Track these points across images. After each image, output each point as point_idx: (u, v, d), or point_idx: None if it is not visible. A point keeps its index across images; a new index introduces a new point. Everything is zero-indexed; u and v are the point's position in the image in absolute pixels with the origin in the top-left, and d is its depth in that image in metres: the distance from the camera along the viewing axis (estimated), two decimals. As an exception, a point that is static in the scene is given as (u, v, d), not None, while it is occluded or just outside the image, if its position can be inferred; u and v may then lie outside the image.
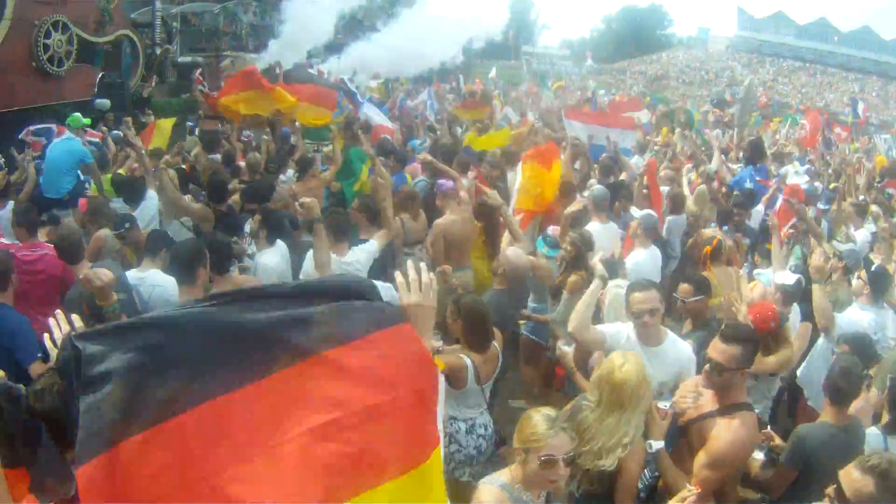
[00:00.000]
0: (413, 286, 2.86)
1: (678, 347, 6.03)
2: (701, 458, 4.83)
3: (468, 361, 5.99)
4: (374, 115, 17.83)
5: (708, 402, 5.11)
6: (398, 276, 2.94)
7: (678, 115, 27.38)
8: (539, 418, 4.18)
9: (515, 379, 9.10)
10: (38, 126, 13.65)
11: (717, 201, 12.62)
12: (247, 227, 9.04)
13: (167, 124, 14.88)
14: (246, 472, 2.23)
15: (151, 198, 9.65)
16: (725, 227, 10.65)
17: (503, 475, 4.36)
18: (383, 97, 24.17)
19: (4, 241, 8.28)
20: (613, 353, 5.16)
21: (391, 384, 2.50)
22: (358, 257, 7.92)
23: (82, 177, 11.99)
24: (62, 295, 7.22)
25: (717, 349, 4.96)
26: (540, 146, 11.79)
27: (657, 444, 4.91)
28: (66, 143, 12.61)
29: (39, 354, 5.64)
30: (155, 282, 7.04)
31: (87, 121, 14.45)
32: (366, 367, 2.47)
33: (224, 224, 9.17)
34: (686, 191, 12.32)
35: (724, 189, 13.95)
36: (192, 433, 2.19)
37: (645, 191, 11.59)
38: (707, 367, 4.98)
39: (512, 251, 7.88)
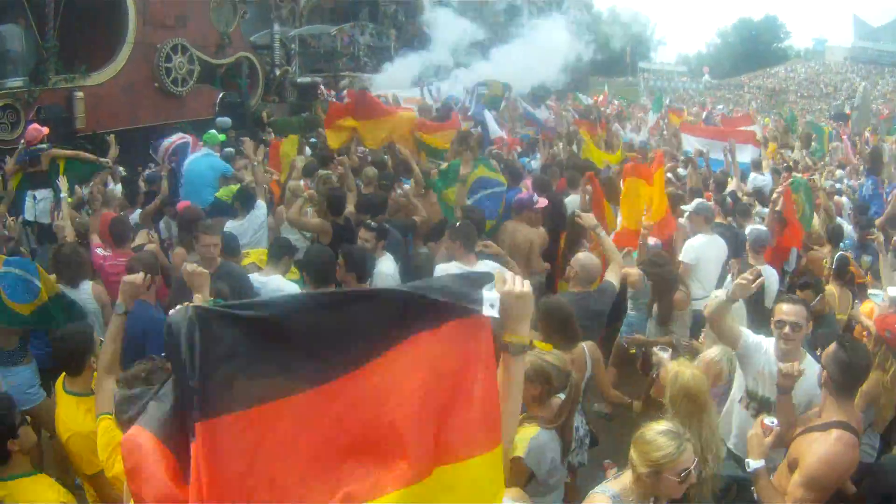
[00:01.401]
0: (509, 276, 2.80)
1: (813, 370, 5.65)
2: (795, 479, 4.68)
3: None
4: (490, 122, 17.66)
5: (815, 416, 5.01)
6: (497, 271, 2.95)
7: (804, 130, 26.51)
8: (663, 439, 4.13)
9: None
10: (174, 142, 13.84)
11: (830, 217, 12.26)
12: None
13: (291, 144, 15.00)
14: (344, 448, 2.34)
15: (260, 207, 10.01)
16: (848, 242, 10.10)
17: (615, 485, 4.34)
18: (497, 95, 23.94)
19: (100, 251, 8.70)
20: (676, 365, 5.20)
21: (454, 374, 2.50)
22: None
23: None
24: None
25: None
26: (639, 164, 11.48)
27: (755, 464, 4.73)
28: (206, 158, 13.03)
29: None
30: (277, 287, 7.44)
31: (223, 137, 14.81)
32: (435, 356, 2.48)
33: (341, 236, 9.37)
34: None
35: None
36: (290, 417, 2.28)
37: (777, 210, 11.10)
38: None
39: (584, 255, 7.83)
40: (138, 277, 5.13)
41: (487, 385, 2.52)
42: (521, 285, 2.78)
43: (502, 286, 2.73)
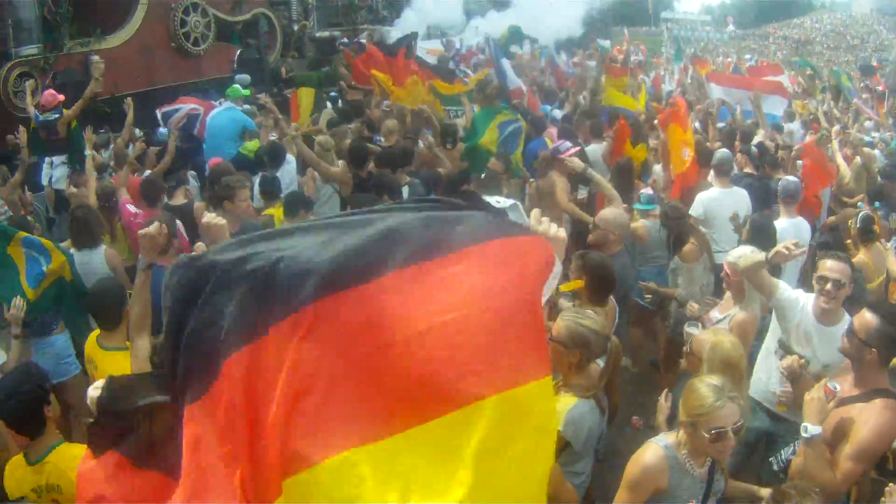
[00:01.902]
0: (545, 219, 2.76)
1: None
2: (846, 450, 4.51)
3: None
4: (509, 71, 17.44)
5: (846, 388, 4.80)
6: (534, 212, 2.85)
7: (828, 81, 26.08)
8: (706, 390, 4.01)
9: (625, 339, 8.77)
10: (187, 112, 13.72)
11: (870, 175, 11.78)
12: None
13: (308, 95, 14.92)
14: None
15: (290, 161, 10.15)
16: (878, 204, 9.74)
17: (670, 436, 4.31)
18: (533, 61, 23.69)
19: (131, 207, 8.63)
20: (712, 334, 5.05)
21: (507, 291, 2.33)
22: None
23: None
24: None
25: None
26: (673, 109, 11.17)
27: (814, 430, 4.42)
28: (228, 112, 13.22)
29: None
30: None
31: (247, 92, 14.92)
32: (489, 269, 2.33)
33: (362, 188, 9.37)
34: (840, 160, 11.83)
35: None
36: (335, 319, 2.17)
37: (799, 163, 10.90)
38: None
39: (608, 210, 7.59)
40: (154, 227, 4.88)
41: (536, 309, 2.35)
42: (555, 229, 2.71)
43: (537, 226, 2.67)
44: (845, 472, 4.42)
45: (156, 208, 8.63)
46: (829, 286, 5.39)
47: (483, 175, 9.93)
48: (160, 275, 6.39)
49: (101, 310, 5.69)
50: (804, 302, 5.67)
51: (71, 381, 6.75)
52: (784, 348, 5.60)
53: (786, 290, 5.75)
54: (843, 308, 5.60)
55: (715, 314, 6.31)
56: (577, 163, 8.40)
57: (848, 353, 4.75)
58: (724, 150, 10.28)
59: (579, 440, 4.59)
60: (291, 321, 2.13)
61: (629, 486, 4.19)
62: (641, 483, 4.16)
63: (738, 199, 9.27)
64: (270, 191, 8.52)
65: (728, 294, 6.37)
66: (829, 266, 5.44)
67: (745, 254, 6.04)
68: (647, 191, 9.08)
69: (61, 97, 12.44)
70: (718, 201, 9.14)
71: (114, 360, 5.37)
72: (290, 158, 10.08)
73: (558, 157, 9.60)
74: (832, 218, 10.67)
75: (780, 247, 5.50)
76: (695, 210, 9.11)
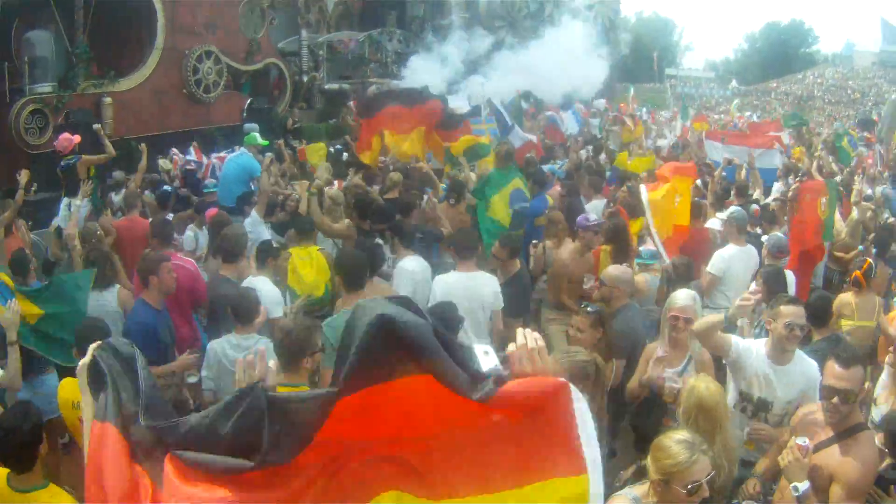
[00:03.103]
0: (526, 355, 2.54)
1: (805, 365, 5.79)
2: (837, 493, 4.61)
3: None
4: (517, 130, 17.67)
5: (819, 431, 4.89)
6: (510, 347, 2.60)
7: (826, 140, 26.26)
8: (676, 447, 4.05)
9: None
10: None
11: (870, 229, 12.00)
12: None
13: (317, 151, 15.23)
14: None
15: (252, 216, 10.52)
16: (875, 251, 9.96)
17: (637, 489, 4.34)
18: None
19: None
20: (693, 381, 5.13)
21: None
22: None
23: (253, 187, 12.73)
24: (194, 304, 8.37)
25: (844, 377, 4.64)
26: (673, 164, 11.33)
27: (803, 487, 4.48)
28: (240, 157, 13.89)
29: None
30: (262, 287, 7.61)
31: (265, 142, 15.08)
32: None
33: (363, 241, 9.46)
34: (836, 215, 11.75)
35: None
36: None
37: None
38: (835, 399, 4.66)
39: (613, 268, 7.77)
40: None
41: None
42: (533, 350, 2.55)
43: (514, 356, 2.56)
44: None
45: (169, 247, 8.91)
46: (797, 331, 5.57)
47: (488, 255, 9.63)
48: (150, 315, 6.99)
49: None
50: (756, 349, 5.83)
51: (57, 420, 6.88)
52: (745, 398, 5.79)
53: (738, 341, 5.88)
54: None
55: (667, 372, 6.35)
56: None
57: (834, 408, 4.73)
58: (739, 207, 10.39)
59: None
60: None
61: None
62: None
63: (751, 257, 9.38)
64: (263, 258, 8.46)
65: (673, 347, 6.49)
66: (794, 312, 5.58)
67: (688, 297, 6.35)
68: (649, 247, 9.21)
69: (76, 138, 12.73)
70: (736, 259, 9.21)
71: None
72: (253, 214, 10.55)
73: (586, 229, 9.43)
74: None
75: (739, 301, 5.71)
76: (714, 267, 9.15)
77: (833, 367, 4.74)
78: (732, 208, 10.26)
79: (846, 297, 8.59)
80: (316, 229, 9.44)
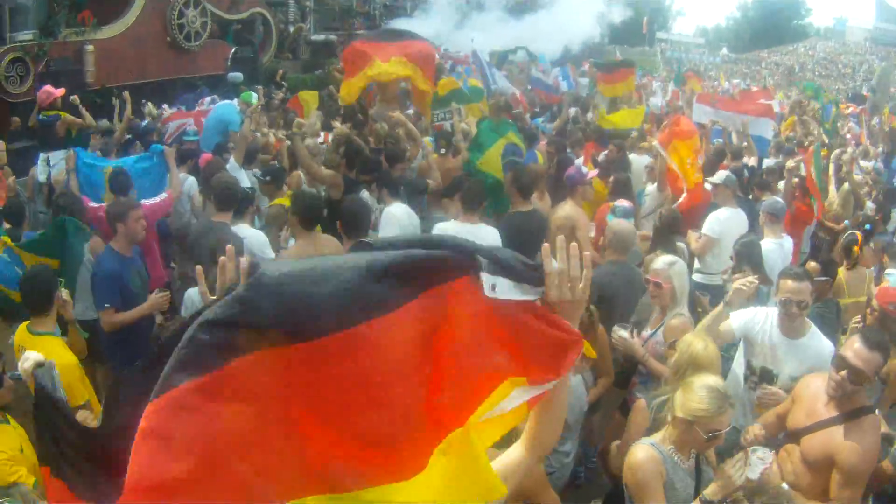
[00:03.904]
0: (562, 279, 2.30)
1: (819, 342, 5.61)
2: (837, 479, 4.47)
3: None
4: (502, 81, 17.43)
5: (822, 407, 4.71)
6: (546, 264, 2.31)
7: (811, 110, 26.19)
8: (709, 395, 4.08)
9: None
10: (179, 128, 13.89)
11: (859, 201, 11.93)
12: None
13: (312, 97, 15.06)
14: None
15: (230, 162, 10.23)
16: (868, 227, 9.79)
17: (656, 436, 4.37)
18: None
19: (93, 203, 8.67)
20: (690, 337, 5.03)
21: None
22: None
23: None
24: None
25: (862, 356, 4.49)
26: (673, 127, 11.11)
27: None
28: (223, 107, 13.36)
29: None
30: (245, 234, 7.64)
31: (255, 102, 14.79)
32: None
33: (352, 190, 9.32)
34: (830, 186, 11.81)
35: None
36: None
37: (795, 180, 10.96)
38: (844, 373, 4.52)
39: (616, 222, 7.72)
40: None
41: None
42: (575, 278, 2.33)
43: (551, 265, 2.30)
44: (846, 500, 4.41)
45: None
46: (794, 308, 5.43)
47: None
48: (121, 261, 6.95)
49: (32, 295, 5.79)
50: (764, 317, 5.73)
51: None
52: (749, 369, 5.70)
53: (736, 320, 5.78)
54: (811, 321, 5.70)
55: (646, 332, 6.31)
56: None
57: (840, 383, 4.57)
58: (728, 171, 10.19)
59: (571, 414, 4.65)
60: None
61: (641, 491, 4.19)
62: (650, 482, 4.17)
63: (742, 220, 9.29)
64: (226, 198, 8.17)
65: (656, 309, 6.41)
66: (791, 287, 5.45)
67: (662, 261, 6.21)
68: (623, 203, 8.92)
69: (59, 92, 12.50)
70: (730, 221, 9.12)
71: (44, 344, 5.44)
72: (231, 160, 10.21)
73: (579, 183, 9.21)
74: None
75: (736, 285, 5.61)
76: (710, 229, 9.04)
77: (855, 342, 4.62)
78: (723, 172, 10.05)
79: (839, 278, 8.41)
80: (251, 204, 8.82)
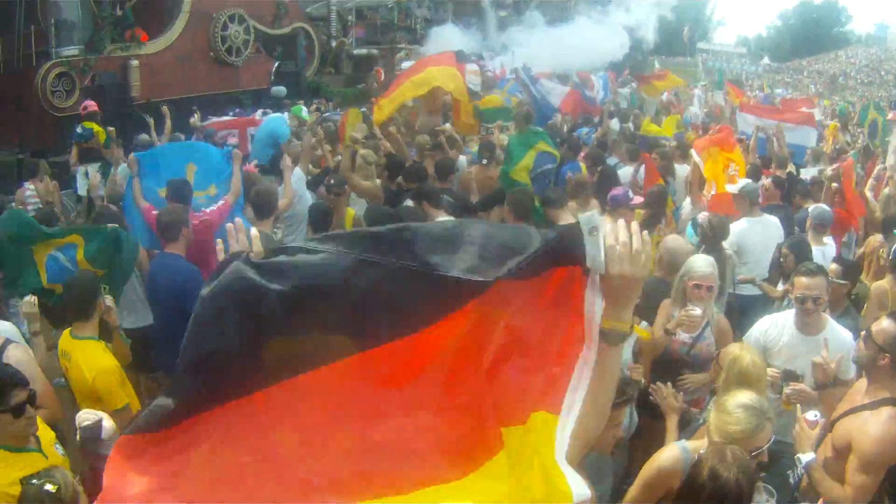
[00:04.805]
0: (623, 251, 2.23)
1: (839, 336, 5.61)
2: (853, 463, 4.44)
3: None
4: (551, 95, 17.44)
5: (857, 396, 4.74)
6: (609, 238, 2.24)
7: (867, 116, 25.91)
8: (745, 414, 3.96)
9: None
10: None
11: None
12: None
13: (356, 115, 15.22)
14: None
15: (296, 174, 9.92)
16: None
17: (691, 442, 4.32)
18: None
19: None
20: (738, 350, 4.97)
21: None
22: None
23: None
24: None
25: (888, 331, 4.52)
26: (713, 135, 11.07)
27: (806, 458, 4.49)
28: (274, 120, 13.65)
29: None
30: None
31: (308, 118, 14.89)
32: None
33: (392, 203, 9.34)
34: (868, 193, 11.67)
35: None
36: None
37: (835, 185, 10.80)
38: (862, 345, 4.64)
39: (672, 238, 7.52)
40: None
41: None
42: (637, 250, 2.25)
43: (612, 249, 2.22)
44: (857, 486, 4.37)
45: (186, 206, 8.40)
46: (809, 304, 5.46)
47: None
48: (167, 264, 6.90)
49: (74, 300, 5.75)
50: (782, 322, 5.76)
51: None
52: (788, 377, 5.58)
53: (755, 330, 5.90)
54: (828, 315, 5.74)
55: (682, 336, 6.19)
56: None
57: (860, 359, 4.71)
58: (749, 180, 10.15)
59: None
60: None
61: (642, 484, 4.24)
62: (654, 483, 4.19)
63: (767, 227, 9.22)
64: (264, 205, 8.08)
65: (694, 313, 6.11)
66: (806, 284, 5.48)
67: (708, 263, 6.17)
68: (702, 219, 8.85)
69: (92, 105, 12.77)
70: (749, 231, 9.04)
71: (85, 348, 5.51)
72: (297, 171, 9.96)
73: (622, 205, 8.90)
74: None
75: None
76: (727, 242, 8.74)
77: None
78: (743, 180, 9.98)
79: (882, 285, 8.24)
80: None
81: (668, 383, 5.34)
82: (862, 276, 8.45)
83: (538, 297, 2.26)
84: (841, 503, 4.33)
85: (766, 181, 10.86)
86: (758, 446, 3.91)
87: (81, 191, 11.80)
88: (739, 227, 9.04)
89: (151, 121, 13.34)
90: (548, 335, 2.29)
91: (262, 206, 7.89)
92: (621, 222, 2.28)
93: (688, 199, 10.77)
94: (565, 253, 2.21)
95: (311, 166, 11.34)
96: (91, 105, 13.28)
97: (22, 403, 4.10)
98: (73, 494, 3.82)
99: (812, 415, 4.67)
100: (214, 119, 15.72)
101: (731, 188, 9.69)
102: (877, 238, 9.61)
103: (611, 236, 2.24)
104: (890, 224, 9.81)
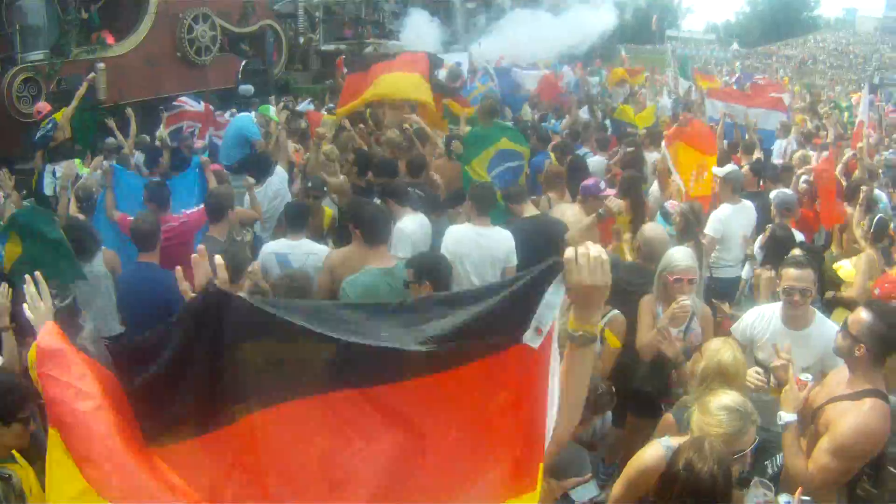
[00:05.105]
0: (582, 262, 2.37)
1: (825, 329, 5.52)
2: (822, 443, 4.44)
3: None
4: (525, 81, 17.50)
5: (839, 386, 4.71)
6: (568, 251, 2.41)
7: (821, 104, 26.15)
8: (728, 417, 3.94)
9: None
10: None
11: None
12: None
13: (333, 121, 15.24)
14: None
15: (278, 174, 10.03)
16: (881, 206, 9.83)
17: (674, 440, 4.16)
18: None
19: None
20: (719, 343, 4.94)
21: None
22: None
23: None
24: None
25: (861, 321, 4.53)
26: (684, 127, 11.00)
27: (787, 417, 4.50)
28: (241, 119, 13.63)
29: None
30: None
31: (276, 118, 14.84)
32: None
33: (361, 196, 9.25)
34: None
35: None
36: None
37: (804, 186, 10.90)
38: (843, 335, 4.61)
39: (650, 226, 7.42)
40: None
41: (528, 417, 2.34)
42: (596, 260, 2.38)
43: (571, 262, 2.37)
44: (820, 466, 4.36)
45: (167, 212, 8.37)
46: (797, 297, 5.38)
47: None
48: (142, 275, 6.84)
49: None
50: (769, 315, 5.70)
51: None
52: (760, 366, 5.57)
53: (743, 321, 5.87)
54: (814, 308, 5.68)
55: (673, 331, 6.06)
56: (616, 203, 7.82)
57: (839, 350, 4.67)
58: (734, 165, 10.21)
59: None
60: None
61: (625, 482, 4.22)
62: (637, 481, 4.15)
63: (747, 214, 9.27)
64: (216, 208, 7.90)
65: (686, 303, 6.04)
66: (794, 276, 5.40)
67: (688, 255, 6.13)
68: (671, 207, 8.87)
69: (47, 107, 12.75)
70: (731, 218, 9.09)
71: None
72: (279, 170, 10.00)
73: (596, 195, 8.65)
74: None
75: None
76: (712, 229, 8.94)
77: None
78: (728, 166, 10.01)
79: (872, 254, 8.18)
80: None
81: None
82: (832, 246, 8.53)
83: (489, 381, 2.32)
84: (798, 477, 4.32)
85: (744, 168, 10.91)
86: (741, 449, 3.89)
87: (48, 190, 11.72)
88: (724, 213, 9.13)
89: (112, 123, 13.22)
90: (505, 418, 2.33)
91: (214, 209, 7.74)
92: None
93: (655, 185, 10.84)
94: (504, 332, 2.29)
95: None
96: (45, 107, 13.21)
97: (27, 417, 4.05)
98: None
99: (805, 376, 4.69)
100: (181, 107, 15.62)
101: (718, 171, 9.71)
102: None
103: (570, 250, 2.35)
104: (853, 191, 9.97)
